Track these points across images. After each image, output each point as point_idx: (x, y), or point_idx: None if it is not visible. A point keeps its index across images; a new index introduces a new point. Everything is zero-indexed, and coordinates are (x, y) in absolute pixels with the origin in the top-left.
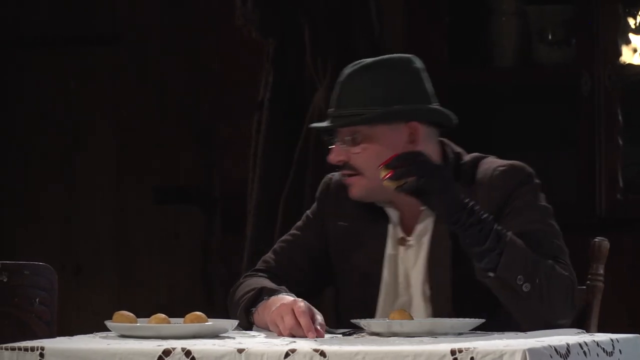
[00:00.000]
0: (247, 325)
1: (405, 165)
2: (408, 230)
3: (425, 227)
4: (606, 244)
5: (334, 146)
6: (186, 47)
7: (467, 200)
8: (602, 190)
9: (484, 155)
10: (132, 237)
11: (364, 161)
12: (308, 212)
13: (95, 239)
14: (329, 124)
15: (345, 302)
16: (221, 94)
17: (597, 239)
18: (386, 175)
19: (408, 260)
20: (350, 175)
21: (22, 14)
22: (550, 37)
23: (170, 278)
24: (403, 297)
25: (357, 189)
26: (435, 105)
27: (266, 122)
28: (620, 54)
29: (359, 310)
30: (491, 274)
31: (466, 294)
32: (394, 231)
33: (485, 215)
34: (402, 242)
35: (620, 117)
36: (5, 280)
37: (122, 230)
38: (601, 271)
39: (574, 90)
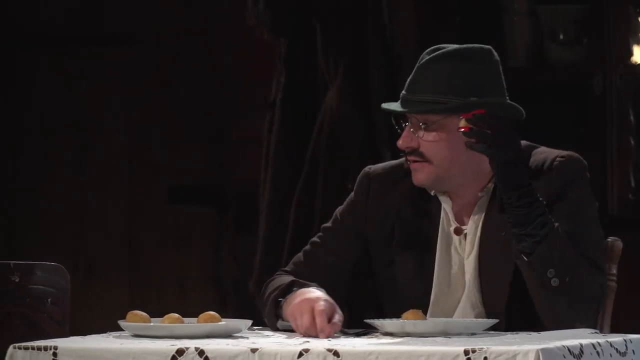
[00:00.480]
0: (275, 318)
1: (483, 127)
2: (461, 220)
3: (479, 218)
4: (619, 243)
5: (402, 131)
6: (198, 47)
7: (527, 182)
8: (614, 190)
9: (535, 144)
10: (145, 237)
11: (435, 151)
12: (338, 211)
13: (108, 238)
14: (402, 109)
15: (397, 296)
16: (234, 94)
17: (609, 239)
18: (462, 128)
19: (463, 250)
20: (416, 162)
21: (33, 13)
22: (561, 37)
23: (183, 278)
24: (457, 287)
25: (423, 175)
26: (507, 99)
27: (278, 122)
28: (632, 54)
29: (411, 302)
30: (525, 258)
31: (520, 286)
32: (447, 221)
33: (538, 200)
34: (457, 231)
35: (631, 117)
36: (17, 280)
37: (135, 229)
38: (614, 271)
39: (586, 90)
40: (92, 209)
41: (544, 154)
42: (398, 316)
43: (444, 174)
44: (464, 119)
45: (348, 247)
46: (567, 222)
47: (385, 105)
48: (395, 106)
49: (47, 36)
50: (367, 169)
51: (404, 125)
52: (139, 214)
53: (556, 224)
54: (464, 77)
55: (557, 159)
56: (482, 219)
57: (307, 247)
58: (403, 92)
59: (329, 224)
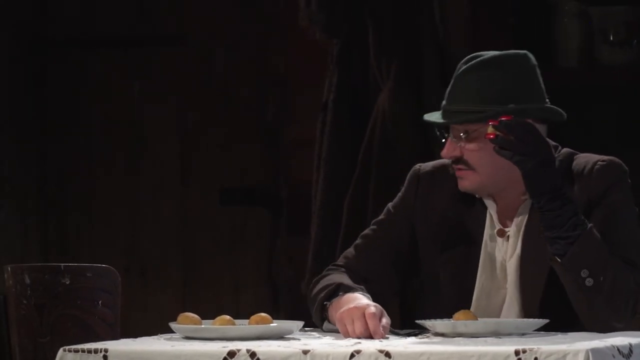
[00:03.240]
0: (320, 320)
1: (509, 134)
2: (504, 222)
3: (522, 220)
4: None
5: (446, 140)
6: (252, 48)
7: (558, 186)
8: None
9: (576, 151)
10: (198, 239)
11: (478, 159)
12: (390, 205)
13: (161, 240)
14: (443, 120)
15: (439, 294)
16: (287, 95)
17: None
18: (490, 134)
19: (506, 252)
20: (461, 169)
21: (87, 13)
22: (612, 38)
23: (236, 279)
24: (499, 289)
25: (469, 182)
26: (547, 103)
27: (330, 123)
28: None
29: (453, 302)
30: (558, 260)
31: (556, 288)
32: (491, 223)
33: (570, 203)
34: (501, 233)
35: None
36: (67, 282)
37: (188, 231)
38: None
39: (637, 90)
40: (146, 211)
41: (585, 158)
42: (440, 315)
43: (488, 180)
44: (490, 126)
45: (399, 237)
46: (603, 224)
47: (427, 117)
48: (436, 117)
49: (102, 37)
50: (417, 166)
51: (446, 135)
52: (192, 215)
53: (590, 225)
54: (500, 84)
55: (598, 163)
56: (525, 221)
57: (359, 240)
58: (443, 102)
59: (380, 217)
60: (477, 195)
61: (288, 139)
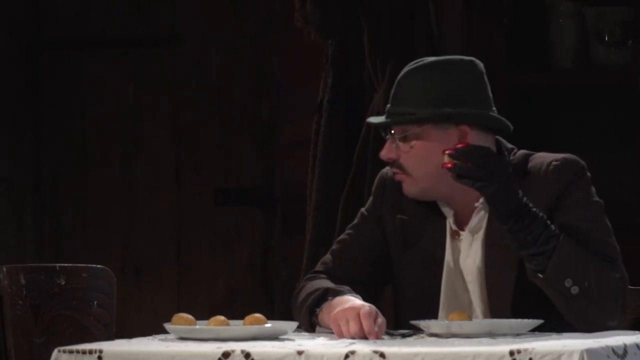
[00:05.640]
0: (309, 327)
1: (466, 161)
2: (461, 225)
3: (479, 223)
4: None
5: (386, 142)
6: (247, 48)
7: (522, 204)
8: None
9: (532, 152)
10: (193, 239)
11: (412, 162)
12: (363, 209)
13: (156, 240)
14: (382, 120)
15: (405, 298)
16: (282, 95)
17: None
18: (447, 163)
19: (467, 254)
20: (397, 173)
21: (81, 14)
22: (607, 38)
23: (230, 280)
24: (463, 293)
25: (407, 187)
26: (492, 111)
27: (325, 123)
28: None
29: (419, 305)
30: (540, 276)
31: (524, 291)
32: (449, 226)
33: (537, 217)
34: (454, 235)
35: None
36: (63, 283)
37: (183, 232)
38: None
39: (632, 90)
40: (141, 211)
41: (540, 159)
42: (409, 318)
43: (427, 185)
44: (446, 155)
45: (373, 241)
46: (571, 225)
47: (370, 119)
48: (377, 119)
49: (97, 38)
50: (384, 171)
51: (387, 137)
52: (187, 216)
53: (561, 234)
54: (440, 87)
55: (552, 163)
56: (480, 224)
57: (335, 246)
58: (387, 105)
59: (355, 222)
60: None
61: (283, 140)
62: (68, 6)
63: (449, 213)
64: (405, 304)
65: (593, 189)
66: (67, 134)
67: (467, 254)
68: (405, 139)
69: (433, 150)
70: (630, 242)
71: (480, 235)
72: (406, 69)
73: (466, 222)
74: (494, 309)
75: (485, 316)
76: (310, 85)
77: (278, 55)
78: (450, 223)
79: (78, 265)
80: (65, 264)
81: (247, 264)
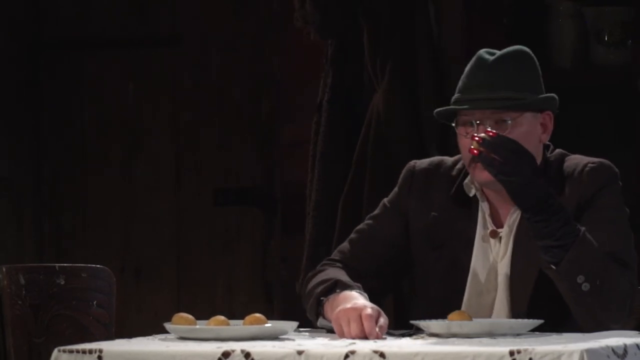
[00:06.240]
0: (315, 316)
1: (490, 152)
2: (497, 223)
3: (514, 221)
4: None
5: (475, 128)
6: (247, 48)
7: (544, 198)
8: None
9: (568, 152)
10: (193, 239)
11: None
12: (385, 200)
13: (155, 240)
14: (493, 105)
15: (429, 292)
16: (282, 95)
17: None
18: (474, 149)
19: (497, 253)
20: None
21: (81, 14)
22: (607, 38)
23: (230, 279)
24: (490, 290)
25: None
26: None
27: (325, 123)
28: None
29: (444, 300)
30: (553, 267)
31: (545, 289)
32: (484, 223)
33: (559, 212)
34: (493, 234)
35: None
36: (62, 282)
37: (183, 231)
38: None
39: (631, 90)
40: (140, 211)
41: (576, 160)
42: (431, 315)
43: None
44: (475, 142)
45: (394, 233)
46: (595, 226)
47: (457, 106)
48: (473, 105)
49: (97, 37)
50: (412, 163)
51: (476, 124)
52: (187, 215)
53: (582, 229)
54: (532, 74)
55: (588, 165)
56: (517, 223)
57: (353, 235)
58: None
59: (376, 212)
60: (471, 194)
61: (282, 140)
62: (68, 6)
63: (486, 209)
64: (428, 301)
65: (622, 198)
66: (67, 134)
67: (505, 251)
68: (503, 125)
69: (530, 135)
70: None
71: (513, 231)
72: (490, 57)
73: (503, 218)
74: (514, 306)
75: (506, 317)
76: (310, 85)
77: (278, 55)
78: (487, 220)
79: (78, 265)
80: (65, 264)
81: (246, 263)
